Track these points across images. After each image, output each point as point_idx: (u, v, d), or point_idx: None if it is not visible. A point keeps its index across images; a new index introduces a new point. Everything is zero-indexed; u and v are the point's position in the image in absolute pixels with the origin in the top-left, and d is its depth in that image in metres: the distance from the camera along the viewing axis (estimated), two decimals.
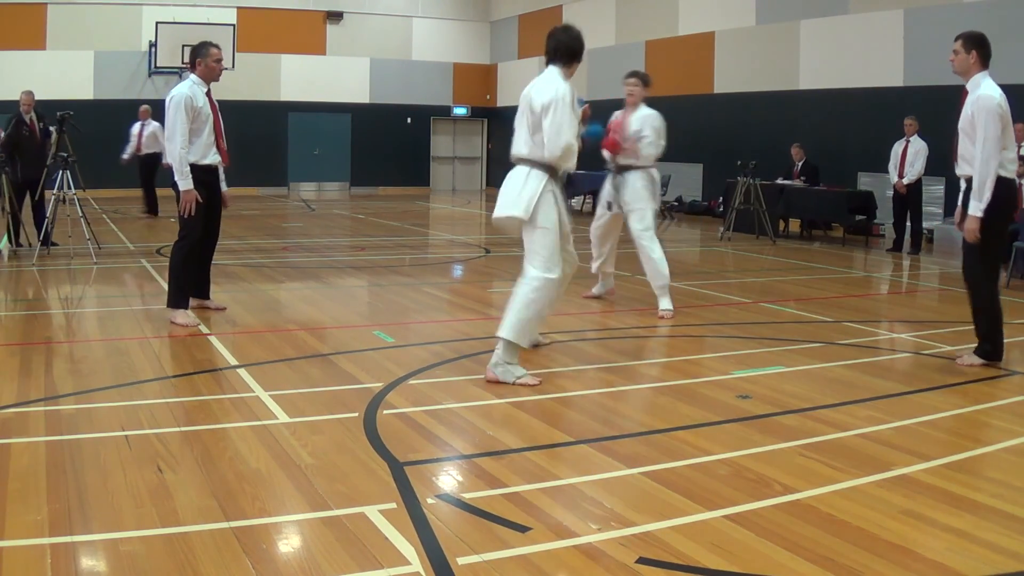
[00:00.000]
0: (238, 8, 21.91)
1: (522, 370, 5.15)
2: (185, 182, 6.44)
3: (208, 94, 6.63)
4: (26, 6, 20.05)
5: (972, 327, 5.76)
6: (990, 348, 5.67)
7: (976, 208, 5.46)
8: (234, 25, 21.30)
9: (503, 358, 5.12)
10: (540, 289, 5.10)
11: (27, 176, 10.70)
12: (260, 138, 22.27)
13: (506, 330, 5.08)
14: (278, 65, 22.66)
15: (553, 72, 5.41)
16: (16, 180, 10.53)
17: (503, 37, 25.19)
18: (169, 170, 6.52)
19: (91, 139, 19.79)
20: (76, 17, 20.48)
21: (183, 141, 6.40)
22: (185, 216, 6.54)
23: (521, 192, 5.19)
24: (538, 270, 5.12)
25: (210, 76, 6.64)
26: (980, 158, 5.45)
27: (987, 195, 5.42)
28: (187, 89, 6.50)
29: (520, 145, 5.37)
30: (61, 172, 10.00)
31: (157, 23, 20.41)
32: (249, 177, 22.04)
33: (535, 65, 23.95)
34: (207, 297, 7.17)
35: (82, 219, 10.03)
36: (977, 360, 5.69)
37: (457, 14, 25.05)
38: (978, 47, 5.75)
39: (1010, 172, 5.56)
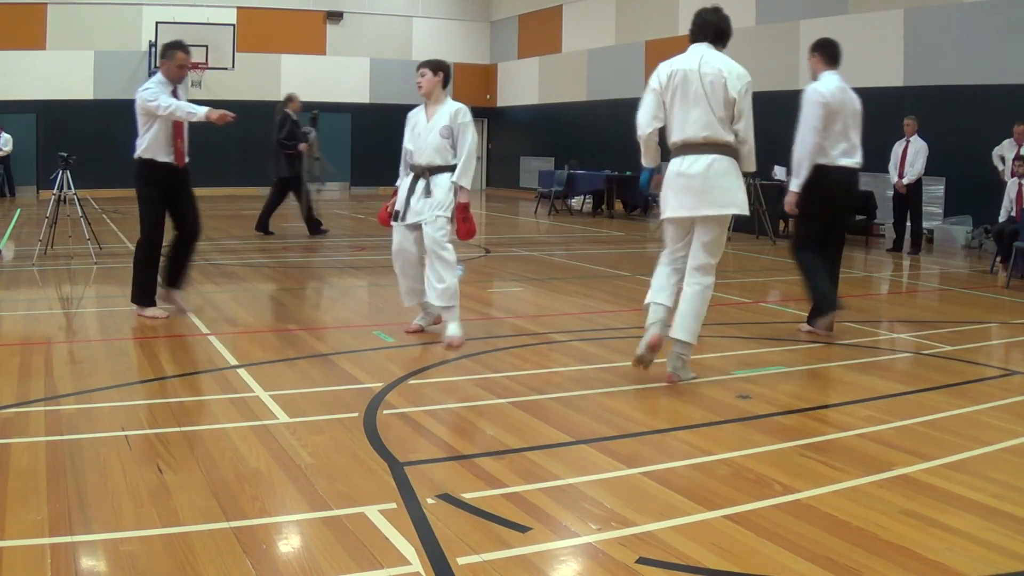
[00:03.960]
0: (238, 8, 21.90)
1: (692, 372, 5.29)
2: (195, 113, 6.49)
3: (174, 93, 6.66)
4: (26, 6, 20.04)
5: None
6: (815, 307, 6.39)
7: (794, 183, 6.31)
8: (234, 25, 21.30)
9: (686, 357, 5.18)
10: (712, 286, 5.19)
11: (297, 172, 12.54)
12: (260, 138, 22.18)
13: (689, 334, 5.09)
14: (278, 65, 22.66)
15: (717, 52, 5.12)
16: (286, 175, 12.46)
17: (503, 37, 25.18)
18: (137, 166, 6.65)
19: (91, 139, 19.97)
20: (76, 17, 20.48)
21: (167, 112, 6.47)
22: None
23: (738, 187, 5.08)
24: (714, 266, 5.17)
25: (174, 78, 6.70)
26: (797, 140, 6.21)
27: (803, 173, 6.20)
28: (157, 88, 6.57)
29: (714, 126, 5.00)
30: (61, 172, 9.99)
31: (157, 23, 20.39)
32: (250, 177, 22.05)
33: (535, 65, 23.98)
34: (177, 287, 7.12)
35: (82, 219, 10.02)
36: (816, 326, 6.44)
37: (457, 14, 25.05)
38: (820, 50, 6.54)
39: (834, 159, 6.24)
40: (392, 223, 6.29)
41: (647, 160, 5.28)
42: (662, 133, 5.18)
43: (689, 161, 5.05)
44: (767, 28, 16.59)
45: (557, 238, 13.96)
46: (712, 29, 5.13)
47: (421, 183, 6.12)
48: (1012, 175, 10.84)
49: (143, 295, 6.87)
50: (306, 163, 12.73)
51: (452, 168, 6.08)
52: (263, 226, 13.05)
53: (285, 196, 13.01)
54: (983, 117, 12.48)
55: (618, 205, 18.61)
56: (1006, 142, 11.65)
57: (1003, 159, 11.66)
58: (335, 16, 23.09)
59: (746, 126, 5.04)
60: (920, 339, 6.71)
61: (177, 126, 6.64)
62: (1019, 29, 12.27)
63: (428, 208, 6.07)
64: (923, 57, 13.58)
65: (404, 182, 6.27)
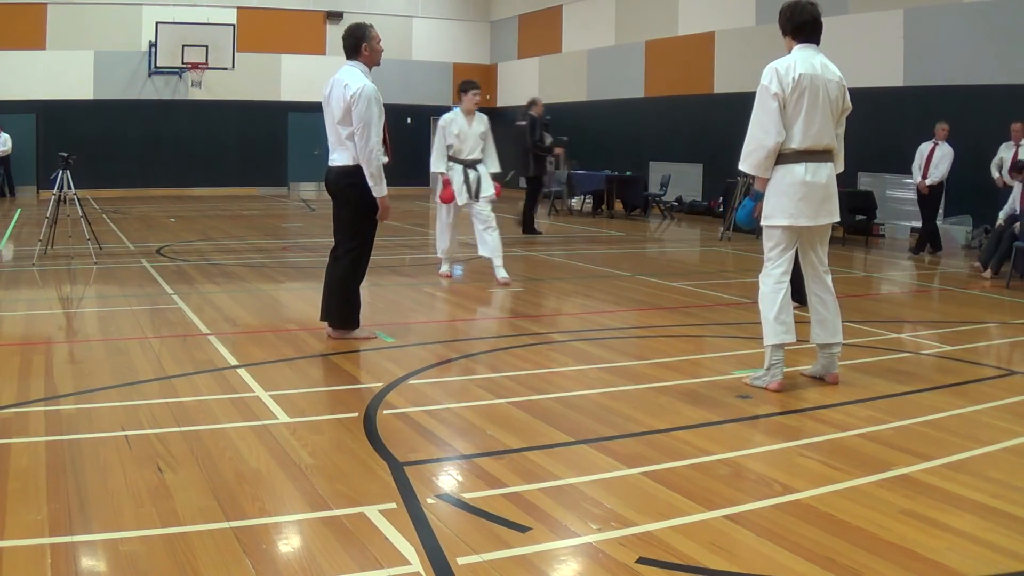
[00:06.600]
0: (238, 8, 21.90)
1: None
2: (381, 187, 5.85)
3: None
4: (26, 6, 20.05)
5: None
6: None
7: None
8: (234, 25, 21.30)
9: (839, 353, 5.35)
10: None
11: (542, 172, 13.41)
12: (260, 138, 22.23)
13: (841, 335, 5.29)
14: (278, 65, 22.65)
15: (814, 50, 5.03)
16: (533, 175, 13.44)
17: (503, 37, 25.19)
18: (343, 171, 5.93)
19: (91, 139, 19.97)
20: (76, 17, 20.48)
21: (379, 141, 5.76)
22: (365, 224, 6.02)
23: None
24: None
25: (375, 61, 6.02)
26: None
27: None
28: (370, 80, 5.84)
29: (832, 134, 5.06)
30: (61, 172, 10.00)
31: (157, 23, 20.40)
32: (249, 177, 22.05)
33: (535, 65, 23.97)
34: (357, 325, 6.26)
35: (82, 219, 10.02)
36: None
37: (457, 14, 25.05)
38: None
39: None
40: (458, 201, 9.01)
41: (761, 170, 5.05)
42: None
43: (813, 169, 5.00)
44: (767, 28, 16.57)
45: (557, 238, 13.95)
46: (821, 28, 5.05)
47: (472, 172, 9.00)
48: (1012, 178, 10.81)
49: (353, 316, 6.16)
50: (558, 166, 14.69)
51: (479, 161, 9.08)
52: (530, 227, 13.64)
53: (539, 192, 13.97)
54: (983, 117, 12.47)
55: (618, 205, 18.61)
56: (1003, 145, 11.64)
57: (1002, 161, 11.64)
58: (335, 16, 23.08)
59: (843, 130, 5.15)
60: (920, 339, 6.70)
61: (385, 123, 5.93)
62: (1019, 29, 12.27)
63: (485, 192, 8.96)
64: (923, 57, 13.58)
65: (457, 170, 9.05)
